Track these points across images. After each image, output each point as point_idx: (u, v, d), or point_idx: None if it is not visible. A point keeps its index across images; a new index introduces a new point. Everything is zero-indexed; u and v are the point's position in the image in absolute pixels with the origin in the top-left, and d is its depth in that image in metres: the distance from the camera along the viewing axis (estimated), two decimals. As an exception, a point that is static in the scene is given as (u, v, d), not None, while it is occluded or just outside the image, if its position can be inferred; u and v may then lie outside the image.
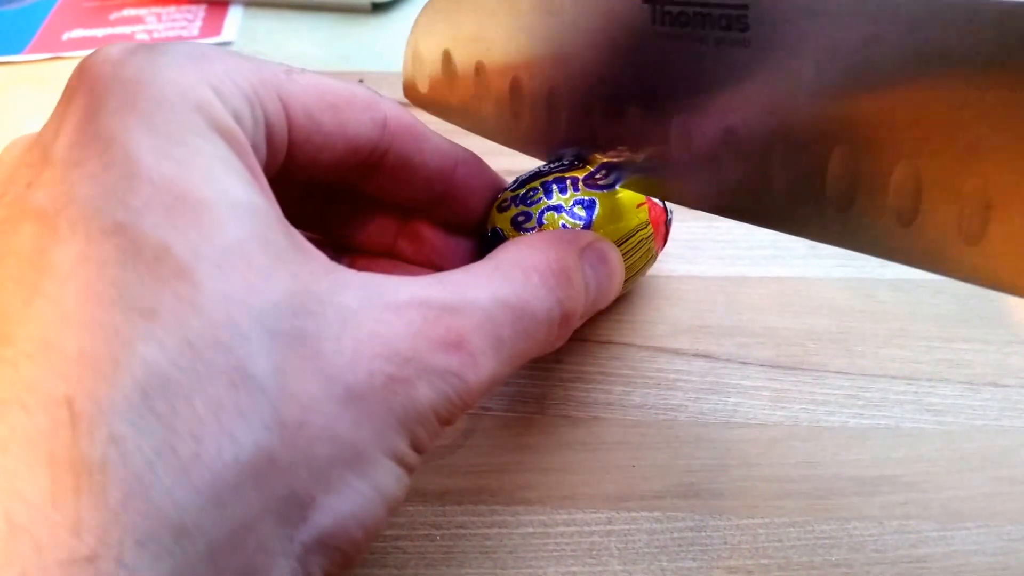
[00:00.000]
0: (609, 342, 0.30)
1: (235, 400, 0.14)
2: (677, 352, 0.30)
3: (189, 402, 0.14)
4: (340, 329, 0.16)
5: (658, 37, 0.21)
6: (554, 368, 0.29)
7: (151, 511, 0.13)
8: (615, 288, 0.24)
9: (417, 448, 0.17)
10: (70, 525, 0.13)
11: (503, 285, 0.19)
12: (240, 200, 0.16)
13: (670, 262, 0.33)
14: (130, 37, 0.51)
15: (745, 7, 0.19)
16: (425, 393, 0.17)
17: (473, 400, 0.18)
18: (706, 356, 0.29)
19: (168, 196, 0.15)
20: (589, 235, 0.23)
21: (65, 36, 0.52)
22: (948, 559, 0.23)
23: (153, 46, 0.18)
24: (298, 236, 0.17)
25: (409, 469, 0.17)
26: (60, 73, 0.48)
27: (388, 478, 0.17)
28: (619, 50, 0.22)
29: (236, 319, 0.15)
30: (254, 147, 0.18)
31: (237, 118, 0.17)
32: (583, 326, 0.30)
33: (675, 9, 0.20)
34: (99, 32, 0.52)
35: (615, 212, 0.26)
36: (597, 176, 0.26)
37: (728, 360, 0.29)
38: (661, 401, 0.28)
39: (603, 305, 0.23)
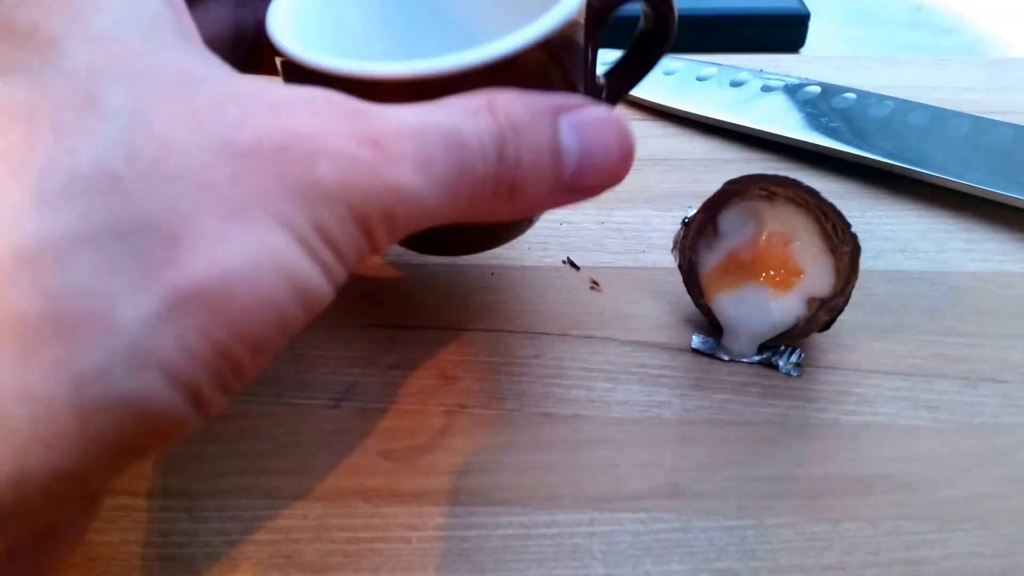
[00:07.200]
0: (590, 336, 0.30)
1: (81, 121, 0.14)
2: (661, 346, 0.29)
3: (29, 122, 0.14)
4: (225, 93, 0.16)
5: None
6: (533, 364, 0.29)
7: None
8: (611, 165, 0.20)
9: (327, 239, 0.16)
10: None
11: (435, 111, 0.17)
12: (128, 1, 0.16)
13: (653, 253, 0.33)
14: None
15: None
16: (328, 172, 0.15)
17: (397, 213, 0.16)
18: (692, 351, 0.29)
19: None
20: (581, 99, 0.20)
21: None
22: (945, 562, 0.23)
23: None
24: (196, 39, 0.17)
25: (318, 258, 0.16)
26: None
27: (283, 245, 0.15)
28: None
29: (100, 72, 0.15)
30: None
31: None
32: (565, 320, 0.30)
33: None
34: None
35: None
36: None
37: (714, 355, 0.29)
38: (645, 398, 0.28)
39: (596, 185, 0.20)
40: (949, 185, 0.35)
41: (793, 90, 0.41)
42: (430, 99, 0.18)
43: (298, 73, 0.21)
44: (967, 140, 0.36)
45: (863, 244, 0.26)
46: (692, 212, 0.29)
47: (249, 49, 0.24)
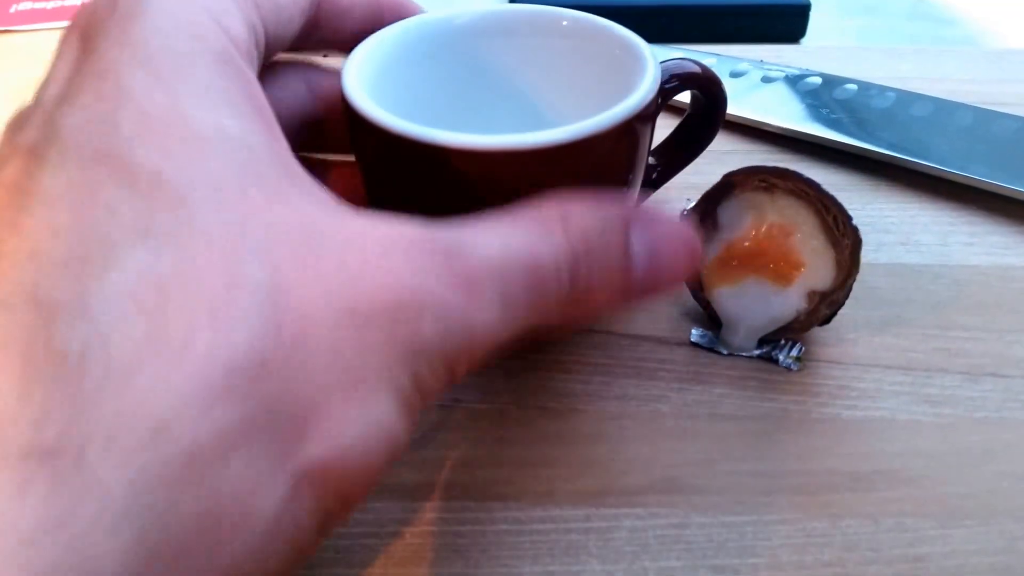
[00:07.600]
0: (587, 329, 0.30)
1: (231, 302, 0.14)
2: (659, 340, 0.29)
3: (181, 302, 0.14)
4: (343, 253, 0.16)
5: None
6: (530, 357, 0.29)
7: (128, 404, 0.13)
8: (678, 270, 0.21)
9: (420, 390, 0.17)
10: (34, 418, 0.13)
11: (515, 235, 0.18)
12: (234, 135, 0.16)
13: (655, 246, 0.33)
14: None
15: None
16: (431, 328, 0.16)
17: (477, 351, 0.17)
18: (690, 344, 0.29)
19: (161, 126, 0.15)
20: (652, 208, 0.21)
21: (13, 9, 0.52)
22: (947, 559, 0.23)
23: None
24: (300, 174, 0.17)
25: (411, 413, 0.17)
26: (10, 46, 0.49)
27: (390, 415, 0.16)
28: None
29: (233, 238, 0.15)
30: (248, 56, 0.18)
31: (235, 40, 0.18)
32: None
33: None
34: (48, 4, 0.53)
35: None
36: None
37: (713, 349, 0.29)
38: (643, 392, 0.27)
39: (662, 289, 0.21)
40: (951, 177, 0.35)
41: (794, 81, 0.41)
42: (511, 172, 0.21)
43: (392, 143, 0.22)
44: (970, 132, 0.36)
45: (864, 237, 0.26)
46: (691, 204, 0.29)
47: (314, 128, 0.26)
